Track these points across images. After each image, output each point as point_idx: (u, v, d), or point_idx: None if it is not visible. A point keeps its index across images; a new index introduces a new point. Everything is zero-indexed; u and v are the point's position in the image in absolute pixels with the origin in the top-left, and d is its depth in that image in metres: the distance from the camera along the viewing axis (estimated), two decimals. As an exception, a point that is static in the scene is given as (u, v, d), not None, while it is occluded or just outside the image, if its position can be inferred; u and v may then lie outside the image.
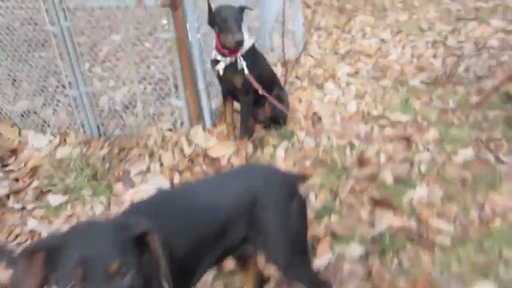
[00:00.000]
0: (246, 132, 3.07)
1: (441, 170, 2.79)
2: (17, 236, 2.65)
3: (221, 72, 2.88)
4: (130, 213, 1.52)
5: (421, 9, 5.72)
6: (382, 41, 4.97)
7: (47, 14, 3.03)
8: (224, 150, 3.06)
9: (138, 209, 1.56)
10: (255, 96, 3.02)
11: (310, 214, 2.53)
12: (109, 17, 4.59)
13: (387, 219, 2.47)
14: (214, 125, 3.31)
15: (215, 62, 2.87)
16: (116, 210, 2.70)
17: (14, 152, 3.37)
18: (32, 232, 2.66)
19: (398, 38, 4.98)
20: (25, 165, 3.22)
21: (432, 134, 3.14)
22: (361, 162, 2.92)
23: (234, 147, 3.07)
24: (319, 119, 3.42)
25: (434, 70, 4.13)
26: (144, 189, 2.80)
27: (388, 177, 2.76)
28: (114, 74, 3.95)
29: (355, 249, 2.30)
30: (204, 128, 3.24)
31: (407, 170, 2.81)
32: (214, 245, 1.62)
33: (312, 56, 4.66)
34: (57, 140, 3.42)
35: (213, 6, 2.79)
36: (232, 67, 2.84)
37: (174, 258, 1.40)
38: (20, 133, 3.54)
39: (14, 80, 3.83)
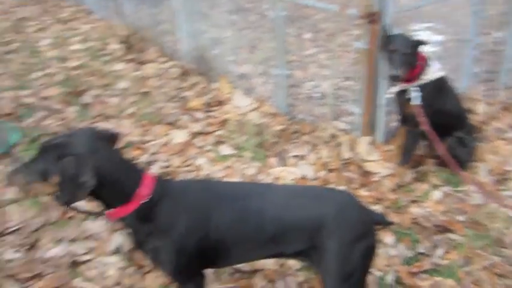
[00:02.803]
0: (407, 162, 3.03)
1: None
2: (188, 165, 3.36)
3: (389, 95, 2.94)
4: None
5: None
6: None
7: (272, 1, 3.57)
8: (380, 168, 3.11)
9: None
10: (441, 129, 2.92)
11: (426, 263, 2.43)
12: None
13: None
14: (386, 141, 3.35)
15: (392, 85, 2.92)
16: (261, 178, 3.13)
17: (220, 103, 4.16)
18: (199, 167, 3.33)
19: None
20: (223, 115, 3.96)
21: None
22: (524, 245, 2.56)
23: (392, 170, 3.08)
24: (505, 180, 3.06)
25: None
26: (290, 171, 3.13)
27: (544, 273, 2.37)
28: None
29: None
30: (373, 142, 3.32)
31: None
32: (262, 246, 1.82)
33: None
34: (255, 105, 4.04)
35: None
36: (403, 94, 2.85)
37: (207, 234, 1.74)
38: (232, 90, 4.31)
39: (253, 47, 4.65)
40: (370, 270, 1.87)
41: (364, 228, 1.80)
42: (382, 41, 2.87)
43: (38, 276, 2.52)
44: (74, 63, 5.22)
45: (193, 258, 1.83)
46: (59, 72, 4.99)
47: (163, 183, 1.79)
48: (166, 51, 5.22)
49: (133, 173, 1.72)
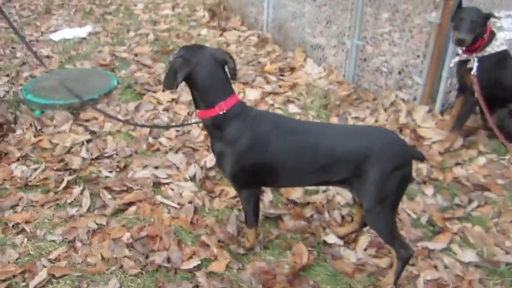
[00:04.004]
0: (458, 128, 3.43)
1: None
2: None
3: (451, 65, 3.35)
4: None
5: None
6: None
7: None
8: (433, 134, 3.54)
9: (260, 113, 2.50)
10: (497, 101, 3.30)
11: (459, 212, 2.89)
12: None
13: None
14: (442, 112, 3.77)
15: (456, 55, 3.33)
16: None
17: (293, 69, 4.76)
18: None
19: None
20: (293, 80, 4.55)
21: None
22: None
23: (444, 137, 3.51)
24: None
25: None
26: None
27: None
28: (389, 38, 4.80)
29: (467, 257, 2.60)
30: (430, 111, 3.75)
31: None
32: (312, 174, 2.34)
33: None
34: (324, 74, 4.59)
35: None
36: (464, 64, 3.25)
37: (263, 157, 2.32)
38: (305, 59, 4.88)
39: (328, 22, 5.18)
40: (402, 196, 2.35)
41: (403, 161, 2.25)
42: (454, 12, 3.25)
43: (127, 190, 3.26)
44: (164, 27, 6.07)
45: (248, 172, 2.40)
46: (150, 33, 5.84)
47: (242, 106, 2.39)
48: (248, 21, 5.90)
49: (223, 89, 2.33)
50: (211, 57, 2.30)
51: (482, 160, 3.32)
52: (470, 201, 2.99)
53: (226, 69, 2.37)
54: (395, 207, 2.35)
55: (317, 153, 2.30)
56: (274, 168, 2.39)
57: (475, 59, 3.19)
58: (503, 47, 3.23)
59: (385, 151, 2.24)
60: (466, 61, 3.27)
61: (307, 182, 2.52)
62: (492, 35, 3.22)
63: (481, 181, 3.14)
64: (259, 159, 2.36)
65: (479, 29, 3.12)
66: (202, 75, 2.28)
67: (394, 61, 4.61)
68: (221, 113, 2.32)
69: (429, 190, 3.08)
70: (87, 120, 4.08)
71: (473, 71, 3.18)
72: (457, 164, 3.32)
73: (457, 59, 3.32)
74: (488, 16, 3.15)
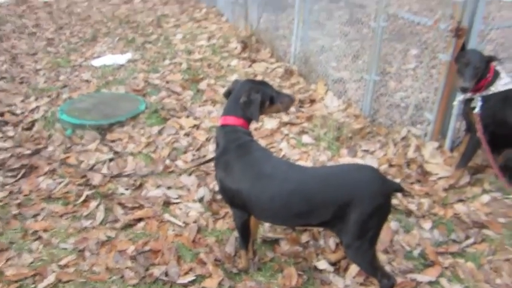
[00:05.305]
0: (463, 166, 3.48)
1: None
2: (271, 147, 4.20)
3: (454, 103, 3.44)
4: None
5: None
6: None
7: (375, 13, 4.27)
8: (440, 171, 3.61)
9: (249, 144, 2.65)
10: (503, 140, 3.37)
11: (453, 247, 2.95)
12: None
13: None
14: (452, 149, 3.83)
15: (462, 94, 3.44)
16: (330, 164, 3.84)
17: (313, 101, 4.96)
18: (279, 149, 4.16)
19: None
20: (312, 111, 4.75)
21: None
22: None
23: (449, 173, 3.57)
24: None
25: None
26: (356, 161, 3.79)
27: None
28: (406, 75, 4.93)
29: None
30: (440, 148, 3.82)
31: None
32: (290, 218, 2.47)
33: None
34: (342, 107, 4.76)
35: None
36: (469, 102, 3.35)
37: (241, 197, 2.50)
38: (326, 92, 5.08)
39: (354, 56, 5.38)
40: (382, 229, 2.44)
41: (383, 199, 2.34)
42: (457, 53, 3.39)
43: (139, 207, 3.53)
44: (197, 56, 6.46)
45: (230, 195, 2.60)
46: (184, 62, 6.24)
47: (236, 130, 2.62)
48: (278, 54, 6.19)
49: (230, 109, 2.69)
50: (244, 89, 2.66)
51: (485, 198, 3.36)
52: (467, 237, 3.03)
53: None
54: (375, 241, 2.42)
55: (293, 202, 2.38)
56: (249, 206, 2.55)
57: (479, 98, 3.28)
58: (509, 86, 3.30)
59: (366, 194, 2.30)
60: (471, 99, 3.36)
61: (287, 224, 2.74)
62: (496, 74, 3.30)
63: (481, 218, 3.17)
64: (234, 189, 2.55)
65: (481, 72, 3.23)
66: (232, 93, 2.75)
67: (413, 97, 4.73)
68: (218, 124, 2.73)
69: (427, 224, 3.15)
70: (112, 141, 4.42)
71: (476, 110, 3.27)
72: (460, 200, 3.37)
73: (461, 97, 3.43)
74: (491, 59, 3.25)
